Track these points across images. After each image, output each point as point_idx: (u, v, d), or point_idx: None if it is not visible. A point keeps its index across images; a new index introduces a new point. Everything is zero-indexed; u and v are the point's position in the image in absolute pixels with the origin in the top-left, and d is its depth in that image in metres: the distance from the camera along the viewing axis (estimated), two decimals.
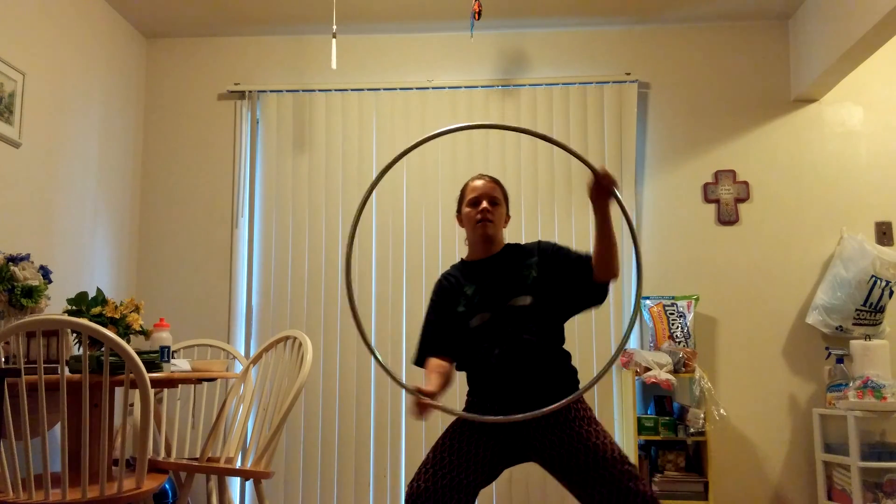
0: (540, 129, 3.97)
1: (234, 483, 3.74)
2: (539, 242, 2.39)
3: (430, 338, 2.36)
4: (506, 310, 2.24)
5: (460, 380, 2.40)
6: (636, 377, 3.56)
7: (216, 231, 4.10)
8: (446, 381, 2.23)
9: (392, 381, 2.16)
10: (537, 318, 2.24)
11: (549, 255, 2.32)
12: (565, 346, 2.34)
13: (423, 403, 2.06)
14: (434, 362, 2.27)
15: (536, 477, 3.73)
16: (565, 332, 2.34)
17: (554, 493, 3.72)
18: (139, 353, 2.28)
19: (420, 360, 2.35)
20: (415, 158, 4.01)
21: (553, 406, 2.08)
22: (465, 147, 4.01)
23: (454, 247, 3.93)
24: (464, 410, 2.30)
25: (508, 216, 2.44)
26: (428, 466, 2.13)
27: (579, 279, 2.25)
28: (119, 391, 2.94)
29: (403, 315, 3.92)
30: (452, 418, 2.25)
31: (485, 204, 2.33)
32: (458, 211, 2.43)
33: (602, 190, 2.12)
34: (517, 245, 2.40)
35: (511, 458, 2.23)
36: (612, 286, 2.37)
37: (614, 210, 2.17)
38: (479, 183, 2.39)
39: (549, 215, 3.93)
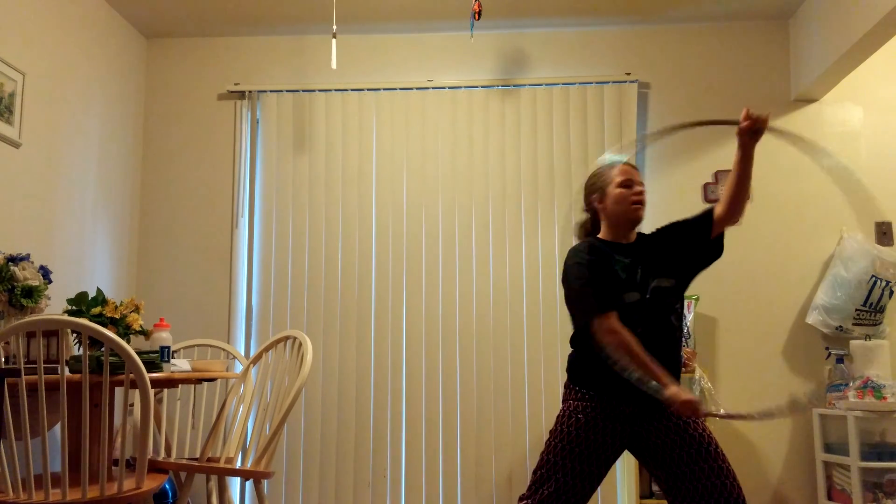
0: (540, 130, 3.98)
1: (234, 483, 3.75)
2: (657, 230, 2.43)
3: (602, 291, 2.21)
4: (653, 290, 2.25)
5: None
6: None
7: (216, 231, 4.10)
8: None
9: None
10: (679, 302, 2.30)
11: (667, 232, 2.39)
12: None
13: (701, 409, 2.07)
14: (629, 333, 2.15)
15: None
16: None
17: None
18: (139, 353, 2.28)
19: (603, 311, 2.17)
20: (415, 158, 4.01)
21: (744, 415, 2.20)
22: (466, 147, 4.01)
23: (454, 246, 3.93)
24: (587, 402, 2.25)
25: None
26: (554, 487, 2.18)
27: (700, 237, 2.34)
28: (119, 391, 2.94)
29: (403, 314, 3.92)
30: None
31: (639, 187, 2.34)
32: (599, 192, 2.37)
33: (757, 132, 2.21)
34: (646, 235, 2.43)
35: (623, 447, 2.26)
36: None
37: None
38: (626, 166, 2.38)
39: (548, 217, 3.93)
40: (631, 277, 2.26)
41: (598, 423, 2.22)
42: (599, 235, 2.41)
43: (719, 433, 3.65)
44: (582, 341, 2.27)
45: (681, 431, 2.20)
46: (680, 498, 2.17)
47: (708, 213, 2.36)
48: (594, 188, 2.40)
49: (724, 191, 2.32)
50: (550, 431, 2.29)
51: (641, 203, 2.34)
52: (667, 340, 2.25)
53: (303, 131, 4.09)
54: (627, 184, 2.34)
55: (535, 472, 2.25)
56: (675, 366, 2.26)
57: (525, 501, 2.24)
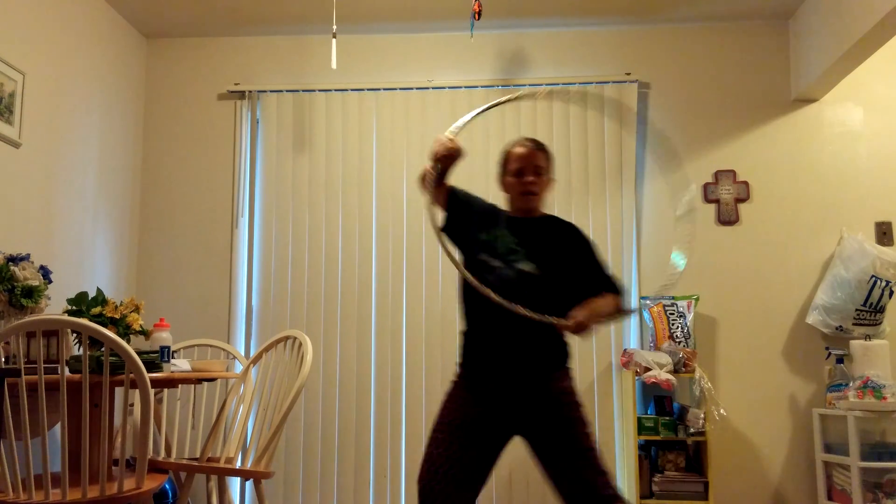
0: (540, 130, 3.98)
1: (234, 483, 3.74)
2: (576, 228, 2.35)
3: (465, 199, 2.38)
4: (519, 272, 2.22)
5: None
6: (636, 377, 3.56)
7: (216, 231, 4.10)
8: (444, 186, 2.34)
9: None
10: (534, 290, 2.21)
11: (583, 248, 2.32)
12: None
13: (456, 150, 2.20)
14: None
15: (536, 477, 3.74)
16: None
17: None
18: (139, 353, 2.28)
19: (450, 188, 2.37)
20: (415, 158, 4.01)
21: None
22: (465, 147, 3.99)
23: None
24: (454, 382, 2.29)
25: (552, 181, 2.40)
26: (430, 461, 2.17)
27: (591, 288, 2.25)
28: (119, 391, 2.94)
29: (403, 314, 3.92)
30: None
31: (530, 177, 2.29)
32: (500, 175, 2.38)
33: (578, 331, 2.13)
34: (555, 218, 2.38)
35: (503, 427, 2.22)
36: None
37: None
38: (521, 150, 2.31)
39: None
40: (504, 249, 2.25)
41: (462, 394, 2.23)
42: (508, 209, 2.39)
43: (721, 433, 3.65)
44: (462, 317, 2.33)
45: (548, 419, 2.16)
46: (558, 488, 2.16)
47: (609, 282, 2.28)
48: (499, 165, 2.39)
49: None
50: None
51: (531, 193, 2.28)
52: (533, 323, 2.15)
53: (303, 131, 4.09)
54: (518, 172, 2.30)
55: None
56: (547, 352, 2.23)
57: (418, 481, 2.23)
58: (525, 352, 2.21)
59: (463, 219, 2.35)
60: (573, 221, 2.39)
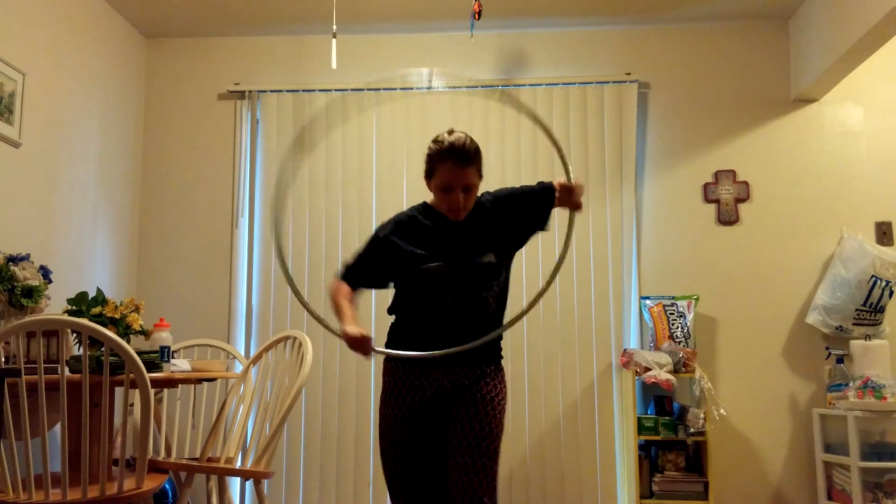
0: (539, 130, 3.96)
1: (234, 483, 3.74)
2: (492, 195, 2.28)
3: (366, 263, 2.25)
4: (469, 265, 2.16)
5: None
6: (636, 377, 3.56)
7: (216, 231, 4.10)
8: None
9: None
10: (497, 279, 2.20)
11: (503, 203, 2.27)
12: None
13: (369, 346, 2.09)
14: (347, 291, 2.21)
15: (536, 477, 3.74)
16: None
17: (554, 492, 3.72)
18: (139, 353, 2.28)
19: (348, 279, 2.25)
20: (415, 158, 4.00)
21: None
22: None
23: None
24: (392, 363, 2.27)
25: (481, 177, 2.21)
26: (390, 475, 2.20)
27: (538, 211, 2.25)
28: (119, 391, 2.94)
29: None
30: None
31: (458, 195, 2.14)
32: (427, 177, 2.20)
33: (572, 203, 2.19)
34: (481, 204, 2.26)
35: (431, 406, 2.20)
36: None
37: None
38: (451, 167, 2.11)
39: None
40: (443, 249, 2.17)
41: (402, 392, 2.21)
42: (430, 201, 2.26)
43: (721, 433, 3.65)
44: (399, 312, 2.30)
45: (466, 407, 2.14)
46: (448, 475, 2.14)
47: (550, 192, 2.23)
48: (425, 162, 2.20)
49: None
50: None
51: (458, 210, 2.15)
52: (476, 313, 2.16)
53: (303, 131, 4.08)
54: (446, 189, 2.13)
55: None
56: (483, 335, 2.15)
57: None
58: (469, 340, 2.16)
59: (376, 270, 2.27)
60: (489, 190, 2.32)
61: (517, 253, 2.31)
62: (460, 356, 2.16)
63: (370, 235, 2.28)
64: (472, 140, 2.16)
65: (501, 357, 2.29)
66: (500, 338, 2.29)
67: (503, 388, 2.24)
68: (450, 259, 2.18)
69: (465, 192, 2.14)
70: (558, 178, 2.24)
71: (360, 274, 2.27)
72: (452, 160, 2.11)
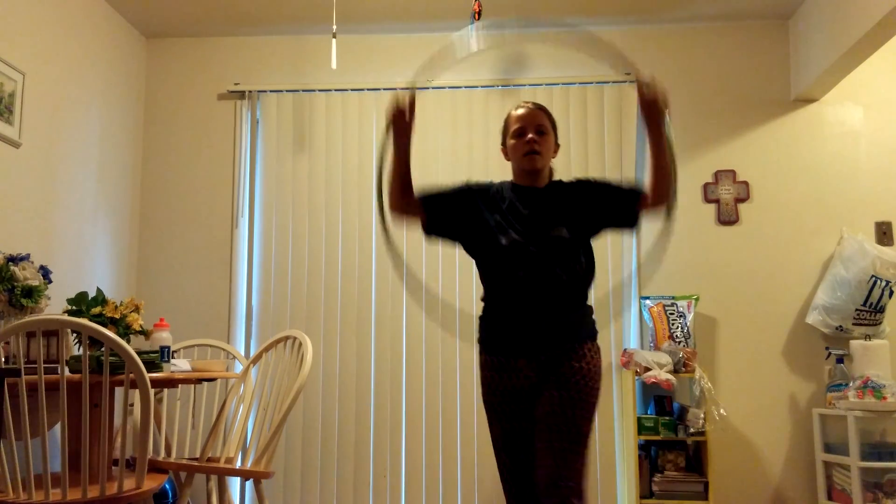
0: None
1: (234, 483, 3.74)
2: (580, 180, 2.29)
3: (445, 198, 2.26)
4: (544, 239, 2.14)
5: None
6: (636, 377, 3.56)
7: (216, 231, 4.10)
8: (407, 172, 2.23)
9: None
10: (572, 256, 2.16)
11: (587, 188, 2.25)
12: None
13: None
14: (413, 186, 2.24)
15: None
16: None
17: None
18: (139, 353, 2.28)
19: (421, 193, 2.26)
20: (415, 158, 3.99)
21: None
22: (466, 146, 4.01)
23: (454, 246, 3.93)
24: (480, 342, 2.25)
25: (558, 145, 2.28)
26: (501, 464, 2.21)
27: (621, 206, 2.20)
28: (119, 391, 2.94)
29: (403, 314, 3.92)
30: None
31: (531, 135, 2.19)
32: (503, 143, 2.29)
33: (649, 103, 2.07)
34: (562, 182, 2.29)
35: (524, 396, 2.17)
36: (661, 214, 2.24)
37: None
38: (522, 111, 2.23)
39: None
40: (518, 222, 2.17)
41: (500, 379, 2.18)
42: (512, 179, 2.31)
43: (721, 433, 3.65)
44: (485, 297, 2.27)
45: (560, 387, 2.10)
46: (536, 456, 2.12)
47: (637, 192, 2.21)
48: (501, 134, 2.31)
49: (652, 176, 2.16)
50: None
51: (534, 153, 2.19)
52: (550, 289, 2.13)
53: (303, 131, 4.09)
54: (520, 132, 2.21)
55: None
56: (557, 315, 2.15)
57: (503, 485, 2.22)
58: (551, 322, 2.14)
59: (454, 212, 2.26)
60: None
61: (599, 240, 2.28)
62: (542, 338, 2.13)
63: (460, 182, 2.30)
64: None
65: (595, 332, 2.23)
66: (590, 313, 2.24)
67: (593, 367, 2.15)
68: (524, 232, 2.15)
69: (538, 136, 2.20)
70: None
71: (434, 199, 2.26)
72: (523, 105, 2.25)
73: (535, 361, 2.14)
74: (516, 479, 2.17)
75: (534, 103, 2.28)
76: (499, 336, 2.20)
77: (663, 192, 2.14)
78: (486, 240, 2.20)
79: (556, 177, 2.32)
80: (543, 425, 2.08)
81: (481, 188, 2.29)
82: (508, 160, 2.30)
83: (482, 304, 2.28)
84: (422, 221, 2.26)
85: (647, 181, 2.16)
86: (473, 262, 2.30)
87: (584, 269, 2.21)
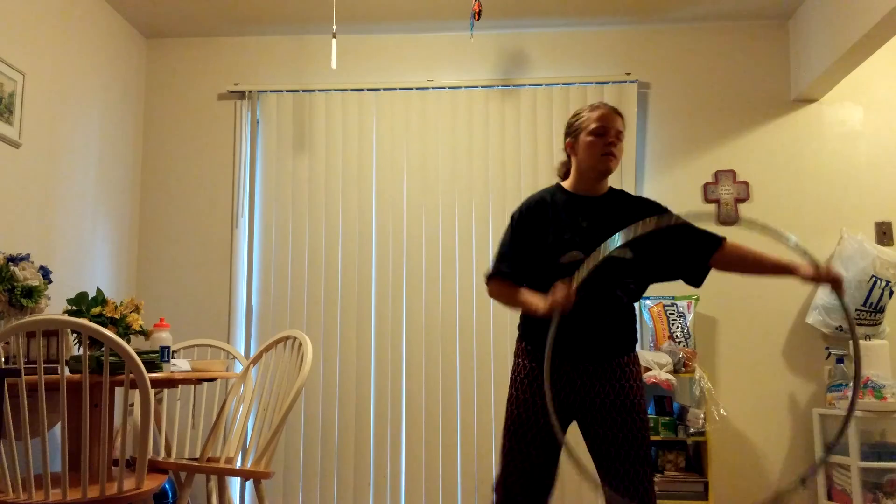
0: (540, 130, 3.98)
1: (234, 483, 3.75)
2: (650, 201, 2.25)
3: (514, 257, 2.20)
4: (606, 257, 2.03)
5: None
6: None
7: (216, 231, 4.10)
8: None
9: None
10: (634, 277, 2.15)
11: (655, 210, 2.21)
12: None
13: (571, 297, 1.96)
14: (513, 286, 2.17)
15: None
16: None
17: (555, 492, 3.71)
18: (139, 353, 2.28)
19: (508, 274, 2.19)
20: (415, 158, 4.01)
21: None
22: (466, 146, 4.01)
23: (454, 245, 3.93)
24: (528, 360, 2.19)
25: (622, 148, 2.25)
26: (508, 459, 2.17)
27: (694, 256, 2.18)
28: (119, 391, 2.94)
29: (403, 314, 3.91)
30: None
31: (612, 138, 2.16)
32: (573, 137, 2.22)
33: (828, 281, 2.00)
34: (624, 192, 2.27)
35: (566, 413, 2.16)
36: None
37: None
38: (603, 111, 2.19)
39: None
40: (580, 236, 2.13)
41: (539, 381, 2.14)
42: (565, 183, 2.27)
43: (721, 433, 3.65)
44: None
45: (613, 408, 2.11)
46: (605, 480, 2.12)
47: (717, 241, 2.18)
48: (569, 130, 2.25)
49: (744, 256, 2.14)
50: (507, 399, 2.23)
51: (612, 155, 2.16)
52: (608, 310, 2.13)
53: (303, 131, 4.09)
54: (600, 132, 2.17)
55: (501, 450, 2.21)
56: (618, 337, 2.15)
57: (495, 485, 2.20)
58: (598, 335, 2.13)
59: (529, 246, 2.20)
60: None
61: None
62: (592, 352, 2.12)
63: (510, 222, 2.24)
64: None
65: (636, 341, 2.23)
66: (634, 321, 2.23)
67: (639, 377, 2.17)
68: (586, 245, 2.10)
69: (617, 139, 2.17)
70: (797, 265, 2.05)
71: (518, 263, 2.20)
72: (604, 106, 2.21)
73: (583, 367, 2.13)
74: (517, 469, 2.16)
75: (611, 106, 2.23)
76: (543, 338, 2.11)
77: (736, 270, 2.16)
78: (545, 257, 2.15)
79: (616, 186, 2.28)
80: (609, 451, 2.10)
81: (532, 209, 2.22)
82: (573, 155, 2.23)
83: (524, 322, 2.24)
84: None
85: (737, 258, 2.15)
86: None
87: (642, 289, 2.21)
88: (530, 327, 2.21)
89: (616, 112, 2.21)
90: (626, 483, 2.07)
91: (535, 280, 2.17)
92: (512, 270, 2.20)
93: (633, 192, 3.90)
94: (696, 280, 2.22)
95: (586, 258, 2.04)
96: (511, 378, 2.23)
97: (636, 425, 2.12)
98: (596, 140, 2.17)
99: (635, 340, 2.23)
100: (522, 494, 2.14)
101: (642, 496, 2.07)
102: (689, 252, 2.19)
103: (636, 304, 2.27)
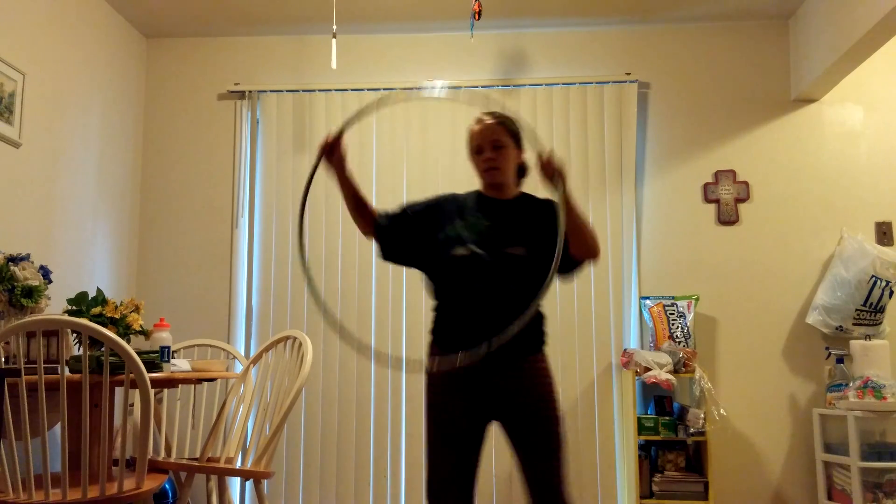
0: (540, 130, 3.98)
1: (234, 483, 3.74)
2: (550, 201, 2.27)
3: (402, 214, 2.34)
4: (499, 254, 2.15)
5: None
6: (636, 377, 3.56)
7: (216, 231, 4.10)
8: (359, 201, 2.34)
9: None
10: (525, 272, 2.17)
11: (552, 216, 2.23)
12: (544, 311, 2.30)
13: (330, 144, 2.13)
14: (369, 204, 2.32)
15: None
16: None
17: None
18: (139, 353, 2.28)
19: (382, 215, 2.37)
20: (415, 158, 4.01)
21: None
22: (465, 146, 4.00)
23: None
24: (430, 356, 2.25)
25: (520, 150, 2.28)
26: (432, 462, 2.20)
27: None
28: (119, 391, 2.94)
29: (403, 314, 3.91)
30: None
31: (487, 153, 2.22)
32: (469, 155, 2.32)
33: (549, 172, 2.09)
34: (531, 197, 2.30)
35: (482, 412, 2.20)
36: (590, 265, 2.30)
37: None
38: (477, 128, 2.25)
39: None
40: (479, 235, 2.17)
41: (453, 384, 2.18)
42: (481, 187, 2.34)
43: (721, 433, 3.65)
44: (436, 307, 2.27)
45: (524, 406, 2.14)
46: (524, 476, 2.16)
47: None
48: (468, 144, 2.32)
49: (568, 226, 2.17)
50: None
51: (493, 169, 2.22)
52: (499, 302, 2.13)
53: (303, 131, 4.09)
54: (477, 150, 2.24)
55: None
56: (522, 335, 2.12)
57: (426, 492, 2.22)
58: (501, 331, 2.15)
59: (411, 230, 2.29)
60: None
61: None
62: (497, 350, 2.12)
63: (420, 201, 2.34)
64: (505, 113, 2.29)
65: (544, 343, 2.24)
66: (542, 323, 2.25)
67: (548, 373, 2.20)
68: (480, 244, 2.16)
69: (495, 150, 2.22)
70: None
71: (386, 228, 2.32)
72: (479, 121, 2.26)
73: (485, 369, 2.15)
74: (440, 472, 2.18)
75: (491, 115, 2.26)
76: (449, 342, 2.19)
77: (582, 249, 2.16)
78: (442, 251, 2.20)
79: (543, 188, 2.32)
80: (520, 443, 2.15)
81: (432, 204, 2.32)
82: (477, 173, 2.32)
83: (433, 314, 2.28)
84: (379, 250, 2.34)
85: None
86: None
87: (538, 284, 2.20)
88: (440, 332, 2.24)
89: (494, 122, 2.23)
90: (539, 479, 2.11)
91: (429, 268, 2.26)
92: (390, 215, 2.34)
93: (632, 193, 3.92)
94: (566, 272, 2.24)
95: (478, 254, 2.13)
96: (426, 384, 2.25)
97: (549, 422, 2.14)
98: (475, 157, 2.26)
99: (542, 342, 2.25)
100: (449, 496, 2.17)
101: (553, 492, 2.10)
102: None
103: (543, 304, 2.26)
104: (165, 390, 3.32)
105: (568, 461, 2.17)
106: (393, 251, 2.34)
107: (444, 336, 2.22)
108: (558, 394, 2.20)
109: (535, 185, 2.29)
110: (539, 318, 2.25)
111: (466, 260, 2.16)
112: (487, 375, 2.16)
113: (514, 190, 2.32)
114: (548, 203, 2.27)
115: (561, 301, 3.85)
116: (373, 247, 4.02)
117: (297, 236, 2.30)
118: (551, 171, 2.08)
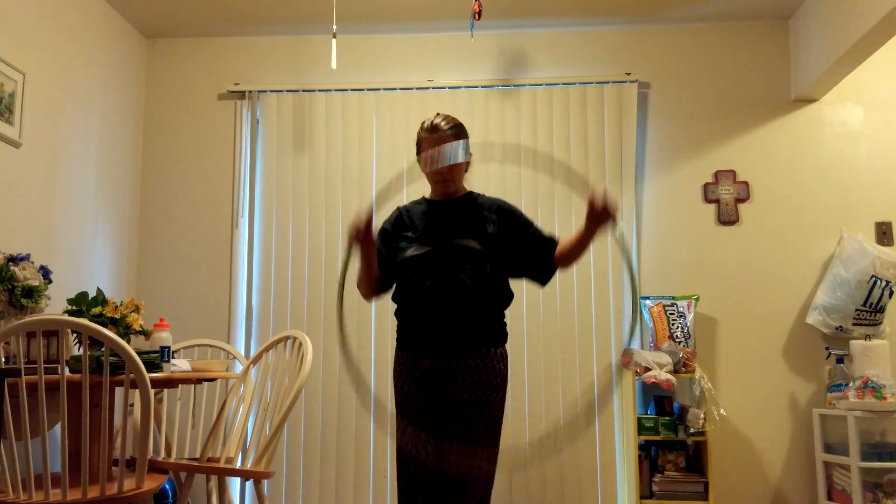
0: (540, 130, 3.98)
1: (234, 483, 3.75)
2: (499, 202, 2.39)
3: (382, 258, 2.40)
4: (448, 247, 2.26)
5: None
6: (636, 377, 3.56)
7: (216, 231, 4.10)
8: (373, 274, 2.35)
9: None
10: (477, 264, 2.26)
11: (509, 219, 2.35)
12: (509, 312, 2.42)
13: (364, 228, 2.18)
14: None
15: (537, 477, 3.74)
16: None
17: (554, 492, 3.72)
18: (139, 353, 2.28)
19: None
20: (414, 157, 4.00)
21: None
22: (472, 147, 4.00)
23: None
24: (397, 350, 2.38)
25: (469, 161, 2.39)
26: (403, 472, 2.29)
27: (537, 257, 2.32)
28: (119, 391, 2.94)
29: None
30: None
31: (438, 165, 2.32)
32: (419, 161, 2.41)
33: (603, 217, 2.11)
34: (478, 196, 2.41)
35: (434, 392, 2.29)
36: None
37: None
38: (424, 136, 2.34)
39: (548, 215, 3.92)
40: (425, 237, 2.30)
41: (406, 379, 2.31)
42: (428, 192, 2.44)
43: (721, 433, 3.65)
44: (397, 309, 2.39)
45: (466, 398, 2.22)
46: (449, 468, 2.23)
47: (554, 242, 2.33)
48: (416, 151, 2.41)
49: (566, 243, 2.29)
50: None
51: (440, 181, 2.33)
52: (456, 295, 2.23)
53: (303, 131, 4.09)
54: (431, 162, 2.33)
55: None
56: (473, 330, 2.26)
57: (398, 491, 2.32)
58: (457, 327, 2.25)
59: (392, 246, 2.39)
60: (501, 196, 2.45)
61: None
62: (446, 344, 2.25)
63: (379, 230, 2.42)
64: (449, 117, 2.35)
65: (503, 339, 2.33)
66: (499, 317, 2.34)
67: (500, 373, 2.27)
68: (432, 241, 2.28)
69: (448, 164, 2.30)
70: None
71: (383, 270, 2.39)
72: (429, 132, 2.33)
73: (439, 362, 2.26)
74: (408, 470, 2.27)
75: (432, 124, 2.32)
76: (409, 337, 2.32)
77: (568, 264, 2.32)
78: (398, 255, 2.33)
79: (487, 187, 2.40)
80: (454, 427, 2.22)
81: (393, 224, 2.41)
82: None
83: (396, 318, 2.41)
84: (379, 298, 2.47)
85: (561, 249, 2.29)
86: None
87: (492, 277, 2.29)
88: (403, 333, 2.36)
89: (444, 130, 2.30)
90: (460, 475, 2.18)
91: (395, 277, 2.37)
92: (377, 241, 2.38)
93: (632, 194, 3.92)
94: (542, 279, 2.35)
95: (433, 250, 2.26)
96: (393, 384, 2.39)
97: (486, 422, 2.21)
98: (426, 167, 2.34)
99: (501, 338, 2.32)
100: (417, 492, 2.24)
101: (473, 488, 2.17)
102: (532, 255, 2.33)
103: (500, 311, 2.37)
104: (165, 390, 3.32)
105: (491, 469, 2.22)
106: (388, 288, 2.45)
107: (407, 335, 2.33)
108: (501, 395, 2.26)
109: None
110: (497, 314, 2.33)
111: (419, 258, 2.27)
112: (443, 358, 2.25)
113: (460, 190, 2.41)
114: (501, 209, 2.37)
115: (561, 301, 3.85)
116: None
117: (338, 313, 2.42)
118: (606, 217, 2.10)
